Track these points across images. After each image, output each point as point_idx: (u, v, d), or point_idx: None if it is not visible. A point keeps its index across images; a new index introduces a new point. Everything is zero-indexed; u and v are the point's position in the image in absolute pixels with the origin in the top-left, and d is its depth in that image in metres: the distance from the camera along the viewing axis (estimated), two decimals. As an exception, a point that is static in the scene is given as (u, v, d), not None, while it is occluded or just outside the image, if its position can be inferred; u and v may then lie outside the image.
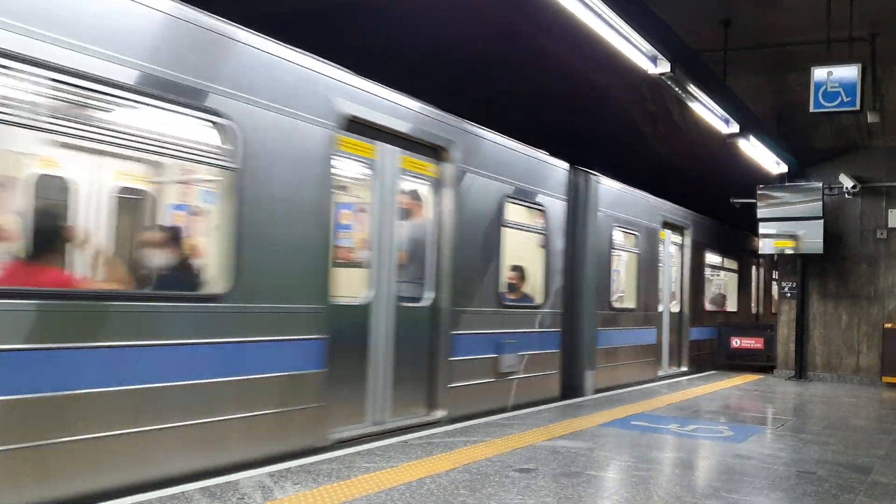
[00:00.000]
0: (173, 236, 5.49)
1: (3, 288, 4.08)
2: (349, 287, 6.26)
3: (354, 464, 5.21)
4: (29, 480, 3.84)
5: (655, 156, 14.84)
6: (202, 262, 5.37)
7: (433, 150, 7.08)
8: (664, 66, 7.50)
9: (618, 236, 10.88)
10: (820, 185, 12.91)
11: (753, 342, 14.54)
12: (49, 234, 4.94)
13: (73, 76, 4.01)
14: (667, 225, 12.79)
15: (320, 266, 5.64)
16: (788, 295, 13.69)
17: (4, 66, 3.74)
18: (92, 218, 6.17)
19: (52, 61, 3.90)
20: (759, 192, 13.23)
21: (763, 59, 11.36)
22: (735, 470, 5.65)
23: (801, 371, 13.31)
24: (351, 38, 10.11)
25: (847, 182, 13.02)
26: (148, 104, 4.43)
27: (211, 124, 4.80)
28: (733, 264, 17.16)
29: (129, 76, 4.27)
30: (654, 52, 7.30)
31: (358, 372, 6.15)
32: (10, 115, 3.79)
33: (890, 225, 12.93)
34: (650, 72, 7.61)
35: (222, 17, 4.95)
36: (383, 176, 6.50)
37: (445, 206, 7.22)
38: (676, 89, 8.35)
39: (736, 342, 14.63)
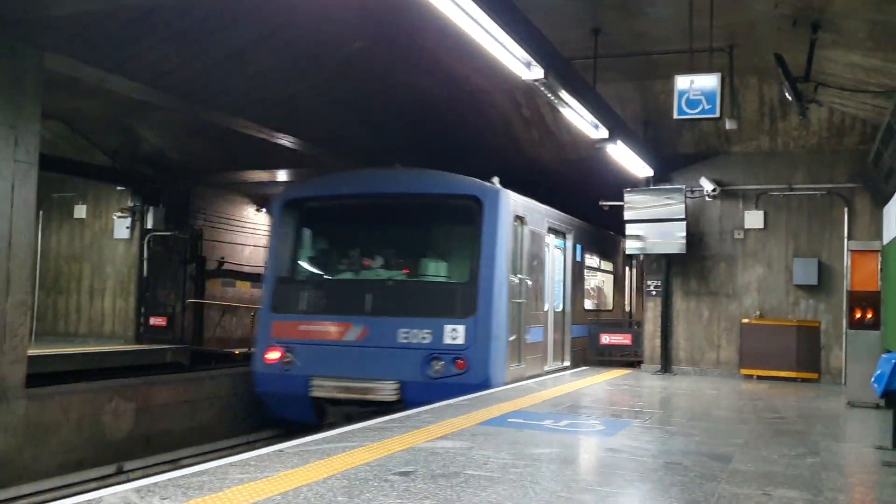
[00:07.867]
0: None
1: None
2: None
3: (228, 475, 5.04)
4: None
5: (530, 160, 15.18)
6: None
7: (561, 234, 14.20)
8: (538, 72, 7.66)
9: None
10: (682, 188, 13.59)
11: (622, 338, 15.15)
12: None
13: None
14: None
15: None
16: (654, 293, 14.32)
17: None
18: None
19: None
20: (625, 194, 13.79)
21: (630, 67, 11.83)
22: (607, 463, 5.84)
23: (666, 365, 13.98)
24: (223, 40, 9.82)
25: (707, 185, 13.76)
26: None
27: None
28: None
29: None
30: (529, 58, 7.44)
31: None
32: None
33: (746, 226, 13.76)
34: (524, 77, 7.75)
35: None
36: (566, 252, 13.97)
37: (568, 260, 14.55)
38: (549, 95, 8.55)
39: (606, 339, 15.20)
